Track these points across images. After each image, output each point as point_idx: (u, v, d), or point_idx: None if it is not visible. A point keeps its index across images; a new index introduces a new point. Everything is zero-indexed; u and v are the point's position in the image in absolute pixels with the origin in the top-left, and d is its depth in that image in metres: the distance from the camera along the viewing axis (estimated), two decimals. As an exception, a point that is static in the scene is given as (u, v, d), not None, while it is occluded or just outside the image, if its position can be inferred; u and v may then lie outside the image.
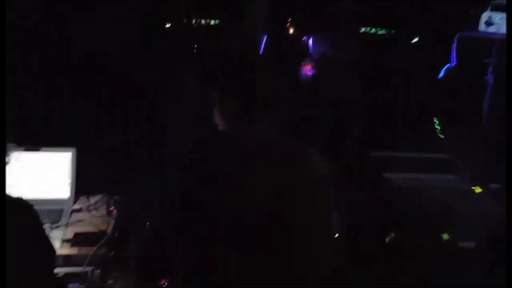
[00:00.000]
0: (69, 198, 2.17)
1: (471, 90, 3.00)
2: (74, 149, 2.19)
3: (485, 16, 2.91)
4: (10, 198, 1.23)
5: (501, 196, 2.24)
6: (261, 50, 10.41)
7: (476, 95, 2.96)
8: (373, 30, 9.63)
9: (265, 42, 10.73)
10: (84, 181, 2.25)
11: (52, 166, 2.16)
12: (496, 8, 2.94)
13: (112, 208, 2.21)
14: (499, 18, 2.90)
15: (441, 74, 3.03)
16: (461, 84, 3.09)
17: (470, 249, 1.89)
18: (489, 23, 2.90)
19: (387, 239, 2.14)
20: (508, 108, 1.86)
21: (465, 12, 3.20)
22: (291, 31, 5.19)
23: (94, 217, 2.15)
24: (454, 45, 3.06)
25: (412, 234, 2.05)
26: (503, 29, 2.89)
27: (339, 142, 2.86)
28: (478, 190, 2.33)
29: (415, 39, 9.24)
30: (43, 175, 2.14)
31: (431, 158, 2.79)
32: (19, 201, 1.24)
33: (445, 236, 1.97)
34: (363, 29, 9.96)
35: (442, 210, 2.15)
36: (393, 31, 9.43)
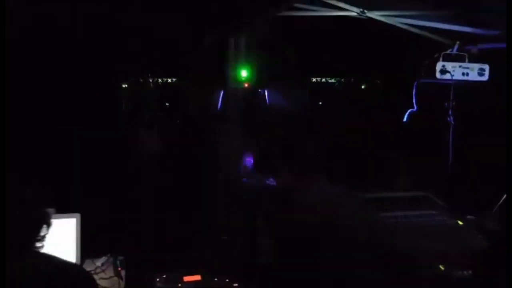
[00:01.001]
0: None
1: (434, 131, 3.31)
2: (78, 215, 2.21)
3: (439, 66, 3.28)
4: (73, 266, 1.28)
5: (480, 226, 2.47)
6: (219, 105, 10.50)
7: (438, 135, 3.27)
8: (324, 79, 10.20)
9: (222, 98, 10.89)
10: (87, 244, 2.26)
11: (58, 232, 2.16)
12: (447, 59, 3.33)
13: (119, 268, 2.23)
14: (451, 67, 3.29)
15: (405, 118, 3.33)
16: (423, 126, 3.41)
17: (466, 278, 2.06)
18: (443, 71, 3.27)
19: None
20: (508, 109, 2.06)
21: (419, 62, 3.57)
22: (245, 85, 5.39)
23: (103, 280, 2.15)
24: (414, 91, 3.39)
25: (409, 268, 2.21)
26: (456, 76, 3.28)
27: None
28: (460, 222, 2.56)
29: (363, 86, 9.86)
30: (49, 241, 2.13)
31: (408, 196, 3.02)
32: (82, 271, 1.30)
33: (441, 267, 2.14)
34: (314, 79, 10.51)
35: (433, 243, 2.35)
36: (342, 79, 10.04)
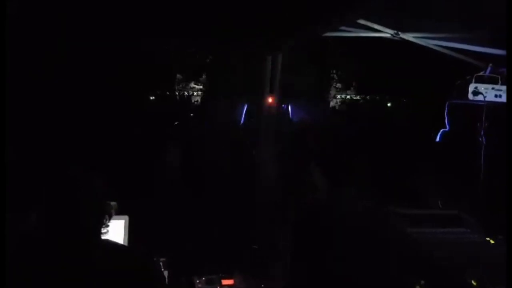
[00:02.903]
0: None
1: (466, 151, 3.37)
2: (127, 217, 2.34)
3: (471, 87, 3.35)
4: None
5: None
6: (243, 119, 10.64)
7: (471, 155, 3.32)
8: (348, 96, 10.30)
9: (245, 112, 11.02)
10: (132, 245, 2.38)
11: (108, 233, 2.29)
12: (479, 80, 3.40)
13: (162, 269, 2.34)
14: (484, 88, 3.35)
15: (438, 138, 3.39)
16: (455, 146, 3.47)
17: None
18: (475, 93, 3.33)
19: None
20: (508, 110, 2.11)
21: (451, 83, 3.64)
22: (270, 100, 5.48)
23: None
24: (446, 112, 3.46)
25: (441, 282, 2.27)
26: (488, 98, 3.34)
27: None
28: (491, 241, 2.60)
29: (389, 104, 9.89)
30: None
31: (439, 213, 3.07)
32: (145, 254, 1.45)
33: (474, 283, 2.19)
34: (338, 96, 10.59)
35: (465, 259, 2.39)
36: (367, 97, 10.12)
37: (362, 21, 3.25)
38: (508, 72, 2.29)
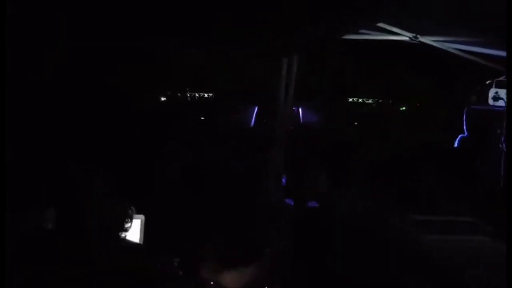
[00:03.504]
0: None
1: (486, 157, 3.31)
2: (143, 216, 2.32)
3: (492, 92, 3.29)
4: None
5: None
6: (252, 122, 10.63)
7: (490, 161, 3.26)
8: (360, 100, 10.23)
9: (256, 114, 11.03)
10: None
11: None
12: (501, 85, 3.34)
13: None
14: (505, 93, 3.29)
15: (456, 143, 3.34)
16: (474, 152, 3.41)
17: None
18: (496, 98, 3.27)
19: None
20: (508, 111, 2.07)
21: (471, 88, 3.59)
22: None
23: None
24: (464, 117, 3.40)
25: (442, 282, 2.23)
26: (510, 103, 3.28)
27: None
28: None
29: (403, 108, 9.80)
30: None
31: (456, 220, 3.01)
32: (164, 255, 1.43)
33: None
34: (350, 99, 10.53)
35: (482, 268, 2.34)
36: (380, 100, 10.03)
37: (380, 24, 3.21)
38: (508, 72, 2.25)
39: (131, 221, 1.64)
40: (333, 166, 3.77)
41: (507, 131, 1.98)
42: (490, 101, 3.27)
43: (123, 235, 1.62)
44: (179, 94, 11.09)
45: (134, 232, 2.27)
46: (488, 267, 2.47)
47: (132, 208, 1.64)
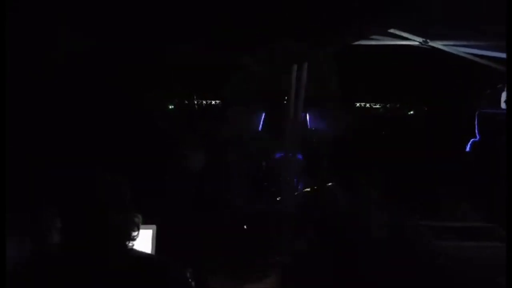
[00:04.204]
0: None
1: (498, 161, 3.26)
2: (154, 227, 2.32)
3: (504, 96, 3.25)
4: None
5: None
6: (260, 127, 10.60)
7: (502, 165, 3.21)
8: (368, 105, 10.18)
9: (264, 119, 11.00)
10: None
11: (137, 242, 2.27)
12: (512, 89, 3.29)
13: (189, 280, 2.30)
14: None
15: (468, 148, 3.30)
16: (486, 156, 3.37)
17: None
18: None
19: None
20: (508, 110, 2.04)
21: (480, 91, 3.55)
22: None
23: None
24: (476, 121, 3.37)
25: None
26: (522, 107, 3.23)
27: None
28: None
29: (411, 112, 9.75)
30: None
31: (473, 226, 2.97)
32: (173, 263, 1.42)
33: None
34: (357, 104, 10.48)
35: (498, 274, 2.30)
36: (387, 105, 9.98)
37: (391, 30, 3.20)
38: (508, 72, 2.22)
39: (138, 230, 1.60)
40: (343, 171, 3.75)
41: (507, 131, 1.96)
42: (502, 105, 3.24)
43: (130, 244, 1.56)
44: (186, 102, 11.10)
45: (146, 242, 2.27)
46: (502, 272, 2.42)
47: (139, 216, 1.61)
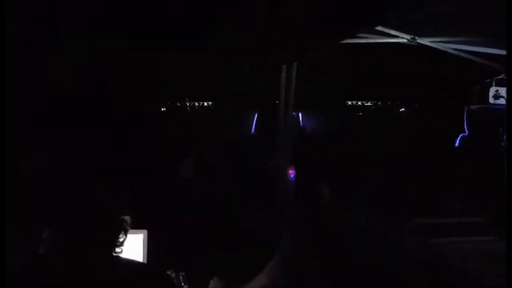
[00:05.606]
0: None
1: (487, 156, 3.29)
2: (145, 231, 2.31)
3: (492, 91, 3.27)
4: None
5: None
6: (253, 128, 10.59)
7: (492, 160, 3.24)
8: (359, 103, 10.22)
9: (256, 119, 10.98)
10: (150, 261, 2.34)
11: (126, 248, 2.25)
12: (501, 84, 3.32)
13: (182, 284, 2.30)
14: (505, 91, 3.27)
15: (457, 143, 3.32)
16: (476, 151, 3.39)
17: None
18: (496, 97, 3.26)
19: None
20: (508, 110, 2.05)
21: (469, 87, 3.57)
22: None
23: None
24: (465, 117, 3.39)
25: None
26: (510, 101, 3.25)
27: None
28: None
29: (402, 109, 9.80)
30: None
31: (462, 222, 2.98)
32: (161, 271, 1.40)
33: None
34: (349, 103, 10.53)
35: (490, 267, 2.32)
36: (379, 103, 10.02)
37: (378, 27, 3.20)
38: (508, 72, 2.23)
39: (126, 234, 1.57)
40: (335, 170, 3.75)
41: (507, 131, 1.96)
42: (491, 100, 3.26)
43: (118, 250, 1.54)
44: (178, 104, 11.06)
45: (137, 247, 2.26)
46: (500, 268, 2.43)
47: (126, 219, 1.58)
